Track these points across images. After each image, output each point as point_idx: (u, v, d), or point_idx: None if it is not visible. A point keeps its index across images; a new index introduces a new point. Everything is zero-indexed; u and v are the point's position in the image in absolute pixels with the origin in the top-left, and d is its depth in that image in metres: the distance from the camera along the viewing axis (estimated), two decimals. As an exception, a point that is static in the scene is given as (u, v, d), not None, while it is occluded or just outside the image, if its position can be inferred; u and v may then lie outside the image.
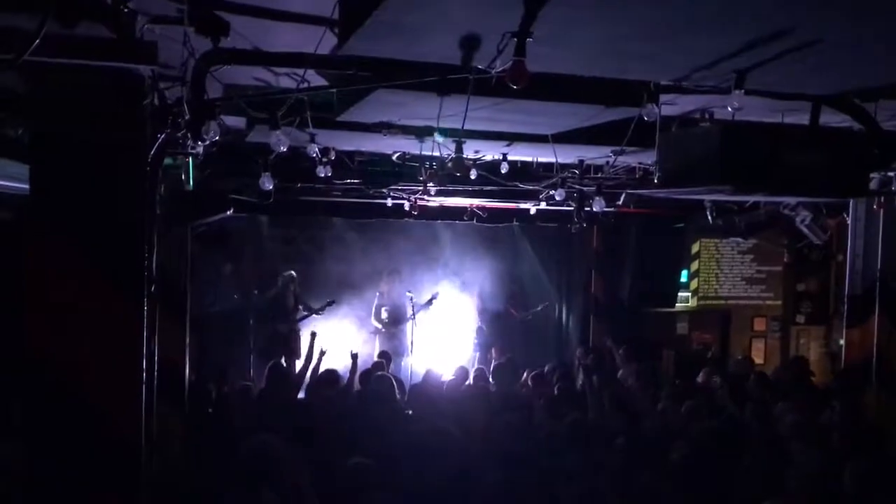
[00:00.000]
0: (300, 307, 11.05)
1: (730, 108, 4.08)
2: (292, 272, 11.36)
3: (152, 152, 3.77)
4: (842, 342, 8.30)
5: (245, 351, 10.75)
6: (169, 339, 6.08)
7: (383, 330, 11.51)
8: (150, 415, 3.82)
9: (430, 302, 11.48)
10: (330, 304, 11.08)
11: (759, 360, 11.46)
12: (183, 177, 6.29)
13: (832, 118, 5.24)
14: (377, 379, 7.70)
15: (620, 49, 3.61)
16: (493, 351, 11.55)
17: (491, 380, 8.67)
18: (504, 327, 12.25)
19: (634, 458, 5.51)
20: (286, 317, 10.91)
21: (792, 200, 8.26)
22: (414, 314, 11.24)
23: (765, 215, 9.60)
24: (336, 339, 11.13)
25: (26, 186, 3.70)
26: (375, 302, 11.63)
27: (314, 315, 11.04)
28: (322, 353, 8.13)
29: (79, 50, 3.06)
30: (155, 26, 3.61)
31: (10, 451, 4.01)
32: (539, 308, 12.19)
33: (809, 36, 3.36)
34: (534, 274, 12.89)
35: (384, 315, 11.50)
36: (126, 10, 3.03)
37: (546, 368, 9.33)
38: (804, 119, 5.27)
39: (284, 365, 9.46)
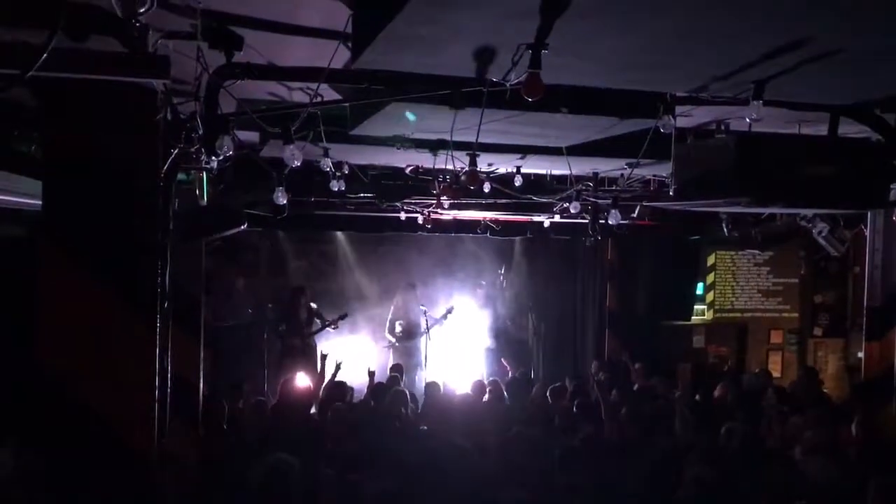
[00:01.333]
0: (315, 320, 11.02)
1: (748, 119, 4.04)
2: (304, 286, 11.36)
3: (165, 167, 3.76)
4: (860, 355, 8.18)
5: (259, 365, 10.73)
6: (183, 354, 6.07)
7: (397, 344, 11.47)
8: (162, 430, 3.79)
9: (444, 316, 11.43)
10: (343, 317, 11.05)
11: (776, 373, 11.34)
12: (197, 192, 6.29)
13: (850, 129, 5.18)
14: (393, 394, 7.65)
15: (637, 60, 3.58)
16: (504, 363, 11.44)
17: (506, 394, 8.60)
18: (518, 341, 12.19)
19: (651, 475, 5.44)
20: (300, 330, 10.88)
21: (809, 212, 8.18)
22: (428, 328, 11.19)
23: (781, 227, 9.51)
24: (350, 353, 11.13)
25: (39, 202, 3.69)
26: (389, 316, 11.60)
27: (328, 329, 11.01)
28: (338, 367, 8.09)
29: (90, 64, 3.06)
30: (169, 41, 3.61)
31: (23, 464, 3.99)
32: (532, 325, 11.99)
33: (830, 46, 3.32)
34: (548, 287, 12.82)
35: (398, 329, 11.46)
36: (138, 24, 3.02)
37: (561, 383, 9.25)
38: (821, 130, 5.22)
39: (298, 379, 9.42)
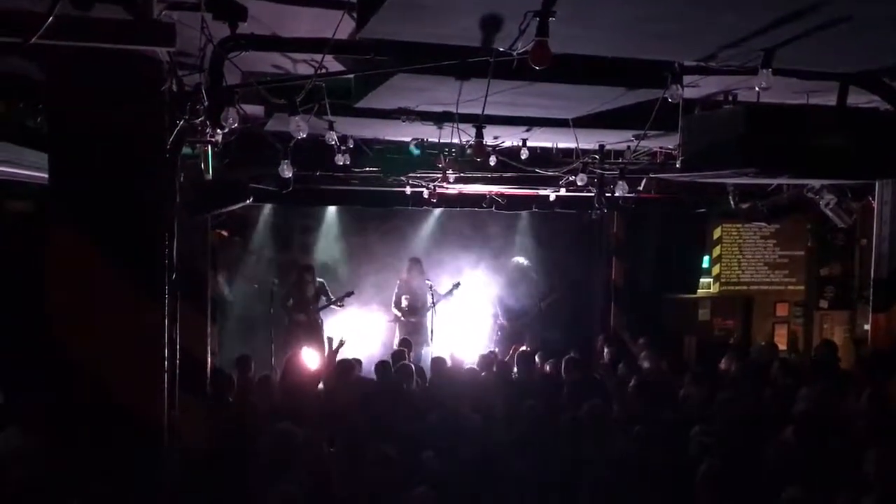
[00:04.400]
0: (322, 297, 11.06)
1: (757, 88, 4.00)
2: (310, 264, 11.38)
3: (171, 139, 3.75)
4: (867, 327, 8.17)
5: (266, 339, 10.78)
6: (190, 328, 6.09)
7: (403, 318, 11.50)
8: (172, 403, 3.81)
9: (450, 291, 11.44)
10: (349, 294, 11.08)
11: (781, 345, 11.34)
12: (202, 166, 6.27)
13: (859, 98, 5.14)
14: (399, 368, 7.70)
15: (645, 28, 3.54)
16: (518, 338, 11.44)
17: (515, 367, 8.64)
18: (524, 317, 12.21)
19: (654, 446, 5.47)
20: (306, 307, 10.92)
21: (816, 183, 8.14)
22: (434, 303, 11.22)
23: (788, 199, 9.46)
24: (357, 329, 11.18)
25: (45, 175, 3.69)
26: (395, 290, 11.62)
27: (334, 306, 11.05)
28: (341, 343, 8.12)
29: (94, 33, 3.02)
30: (173, 12, 3.58)
31: (31, 441, 4.02)
32: (543, 303, 11.97)
33: (838, 12, 3.28)
34: (553, 261, 12.82)
35: (404, 303, 11.48)
36: (142, -8, 3.00)
37: (571, 355, 9.28)
38: (829, 100, 5.18)
39: (304, 354, 9.46)
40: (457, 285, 11.45)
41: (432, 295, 11.21)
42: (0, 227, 6.86)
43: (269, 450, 4.75)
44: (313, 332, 10.77)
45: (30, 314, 3.81)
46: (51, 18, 2.40)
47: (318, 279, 11.18)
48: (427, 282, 11.38)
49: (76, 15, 2.90)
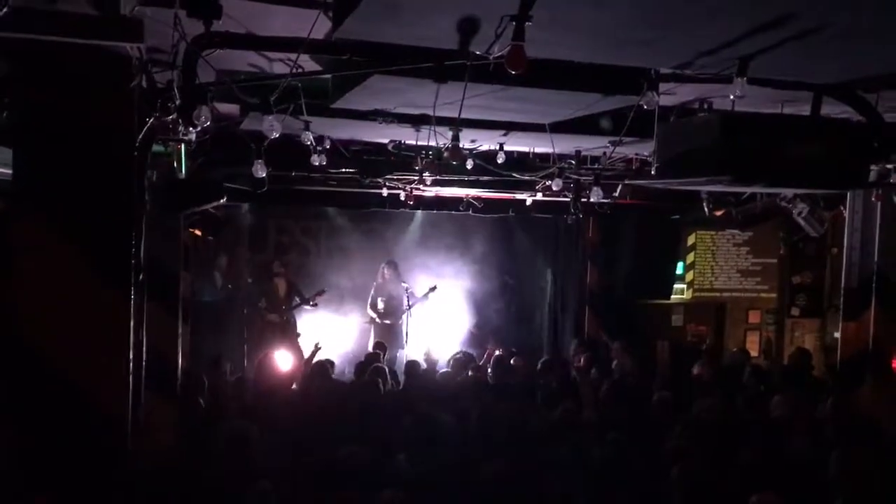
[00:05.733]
0: (295, 298, 10.99)
1: (732, 97, 4.02)
2: (282, 262, 11.32)
3: (140, 137, 3.69)
4: (837, 335, 8.27)
5: (238, 340, 10.69)
6: (161, 329, 6.02)
7: (378, 321, 11.46)
8: (137, 403, 3.76)
9: (426, 295, 11.42)
10: (320, 293, 11.04)
11: (753, 352, 11.45)
12: (175, 164, 6.20)
13: (832, 109, 5.19)
14: (372, 370, 7.67)
15: (621, 35, 3.55)
16: (489, 347, 11.46)
17: (489, 371, 8.64)
18: (498, 320, 12.24)
19: (627, 450, 5.49)
20: (278, 307, 10.86)
21: (790, 192, 8.22)
22: (410, 306, 11.19)
23: (761, 207, 9.55)
24: (331, 330, 11.12)
25: (9, 171, 3.62)
26: (371, 292, 11.58)
27: (307, 306, 10.99)
28: (317, 348, 8.11)
29: (59, 26, 2.96)
30: (146, 8, 3.52)
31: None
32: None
33: (813, 23, 3.31)
34: (529, 265, 12.85)
35: (380, 306, 11.45)
36: (110, -14, 2.94)
37: (547, 357, 9.30)
38: (803, 110, 5.22)
39: (277, 355, 9.40)
40: (433, 289, 11.44)
41: (408, 298, 11.19)
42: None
43: (222, 445, 4.71)
44: (286, 332, 10.71)
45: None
46: (5, 9, 2.34)
47: (290, 280, 11.13)
48: (403, 284, 11.36)
49: (40, 8, 2.84)
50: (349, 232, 12.01)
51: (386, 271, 11.56)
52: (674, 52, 3.91)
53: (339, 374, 8.68)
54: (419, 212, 10.99)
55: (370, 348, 10.90)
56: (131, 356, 3.64)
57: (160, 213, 5.59)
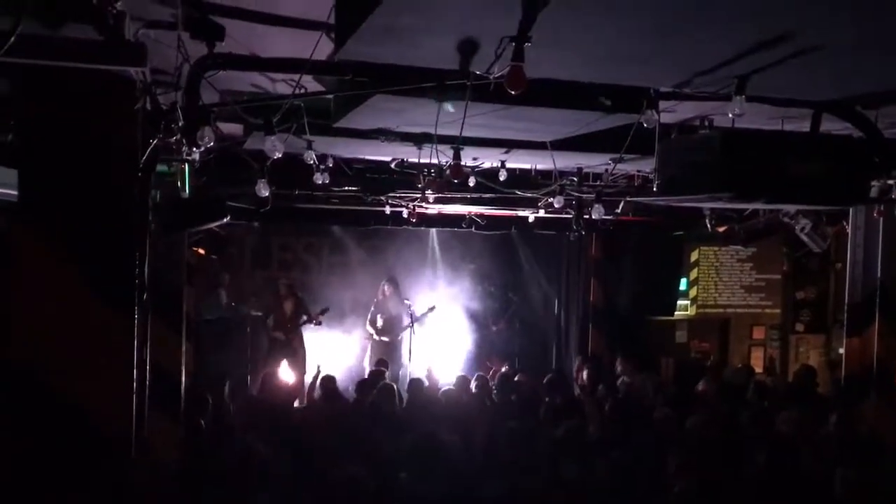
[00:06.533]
0: (302, 316, 11.00)
1: (731, 115, 4.04)
2: (290, 282, 11.33)
3: (144, 157, 3.72)
4: (841, 351, 8.25)
5: (243, 359, 10.69)
6: (165, 347, 6.04)
7: (376, 337, 11.43)
8: (140, 421, 3.76)
9: (425, 314, 11.39)
10: (324, 312, 11.04)
11: (758, 368, 11.40)
12: (179, 184, 6.23)
13: (833, 126, 5.21)
14: (380, 388, 7.64)
15: (620, 54, 3.58)
16: (492, 361, 11.45)
17: (494, 389, 8.61)
18: (501, 338, 12.22)
19: (631, 468, 5.47)
20: (284, 325, 10.86)
21: (792, 208, 8.23)
22: (412, 323, 11.17)
23: (764, 223, 9.56)
24: (332, 347, 11.12)
25: (14, 192, 3.65)
26: (371, 309, 11.58)
27: (311, 324, 10.99)
28: (318, 371, 8.13)
29: (63, 51, 3.00)
30: (150, 31, 3.57)
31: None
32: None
33: (811, 41, 3.33)
34: (532, 282, 12.85)
35: (379, 322, 11.43)
36: (114, 12, 2.98)
37: (552, 374, 9.28)
38: (804, 127, 5.24)
39: (281, 372, 9.39)
40: (431, 309, 11.41)
41: (410, 315, 11.17)
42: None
43: (234, 466, 4.70)
44: (292, 349, 10.69)
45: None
46: (13, 38, 2.37)
47: (297, 295, 11.13)
48: (406, 301, 11.35)
49: (45, 34, 2.88)
50: (352, 249, 12.02)
51: (386, 288, 11.55)
52: (671, 72, 3.94)
53: (340, 390, 8.65)
54: (422, 229, 11.01)
55: (367, 364, 10.89)
56: (134, 375, 3.65)
57: (164, 231, 5.62)
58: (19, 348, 3.52)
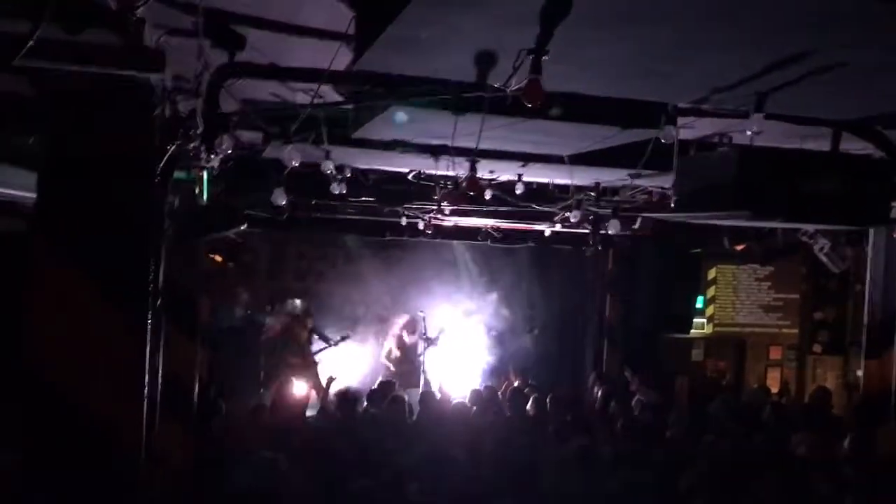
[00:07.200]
0: (320, 342, 11.01)
1: (749, 132, 4.01)
2: (305, 304, 11.31)
3: (162, 164, 3.75)
4: (859, 373, 8.14)
5: (256, 369, 10.71)
6: (178, 354, 6.05)
7: (393, 369, 11.34)
8: (152, 428, 3.77)
9: (436, 338, 11.29)
10: (344, 339, 11.07)
11: (774, 389, 11.28)
12: (197, 191, 6.27)
13: (853, 145, 5.16)
14: (391, 401, 7.63)
15: (639, 69, 3.57)
16: (510, 375, 11.33)
17: (507, 403, 8.56)
18: (517, 352, 12.16)
19: (643, 487, 5.42)
20: (299, 351, 10.86)
21: (810, 228, 8.15)
22: (426, 348, 11.11)
23: (782, 242, 9.48)
24: (347, 357, 11.12)
25: (33, 195, 3.68)
26: (386, 342, 11.50)
27: (329, 346, 11.01)
28: (330, 380, 8.13)
29: (82, 56, 3.03)
30: (171, 38, 3.60)
31: (8, 461, 3.97)
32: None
33: (832, 59, 3.30)
34: (552, 297, 12.78)
35: (395, 354, 11.37)
36: (134, 18, 3.01)
37: (559, 394, 9.21)
38: (823, 145, 5.20)
39: (295, 385, 9.39)
40: (441, 331, 11.35)
41: (425, 340, 11.09)
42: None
43: (249, 478, 4.68)
44: (308, 371, 10.65)
45: (11, 333, 3.78)
46: (31, 42, 2.40)
47: (310, 321, 11.12)
48: (420, 312, 11.30)
49: (65, 38, 2.91)
50: (367, 259, 12.03)
51: (406, 327, 11.43)
52: (690, 88, 3.92)
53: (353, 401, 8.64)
54: (438, 241, 11.00)
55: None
56: (146, 381, 3.67)
57: (181, 238, 5.65)
58: (32, 353, 3.54)
